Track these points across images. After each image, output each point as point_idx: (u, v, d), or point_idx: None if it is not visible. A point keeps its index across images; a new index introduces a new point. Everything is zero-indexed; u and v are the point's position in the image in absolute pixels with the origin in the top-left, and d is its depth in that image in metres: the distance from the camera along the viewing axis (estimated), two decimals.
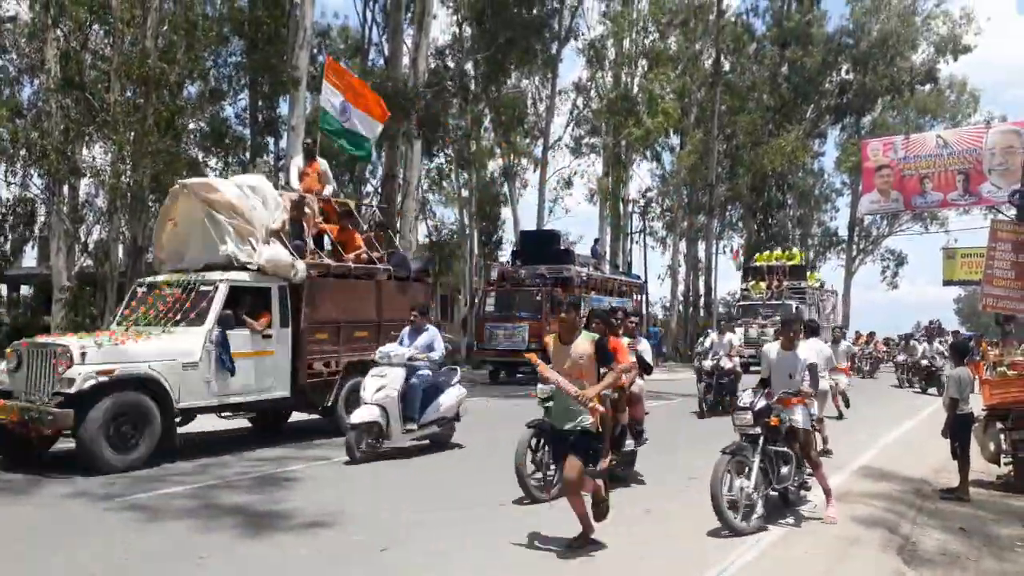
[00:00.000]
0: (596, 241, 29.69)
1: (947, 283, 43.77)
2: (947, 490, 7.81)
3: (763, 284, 29.04)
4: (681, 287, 38.23)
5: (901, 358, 23.93)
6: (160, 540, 5.43)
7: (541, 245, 23.05)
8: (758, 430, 6.17)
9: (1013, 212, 15.69)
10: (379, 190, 22.82)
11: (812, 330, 9.92)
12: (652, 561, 5.32)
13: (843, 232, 47.09)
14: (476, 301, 23.06)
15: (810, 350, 7.15)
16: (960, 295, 74.82)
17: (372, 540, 5.54)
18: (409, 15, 22.24)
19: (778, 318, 21.49)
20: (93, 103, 15.17)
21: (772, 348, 6.91)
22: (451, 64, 25.21)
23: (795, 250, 33.40)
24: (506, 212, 32.25)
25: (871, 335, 31.27)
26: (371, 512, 6.40)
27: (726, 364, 13.92)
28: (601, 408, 5.33)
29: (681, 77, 34.08)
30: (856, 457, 9.56)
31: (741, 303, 30.13)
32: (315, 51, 22.19)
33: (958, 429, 7.71)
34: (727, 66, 36.77)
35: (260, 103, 20.71)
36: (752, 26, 37.96)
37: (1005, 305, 13.68)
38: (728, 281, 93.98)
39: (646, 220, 39.09)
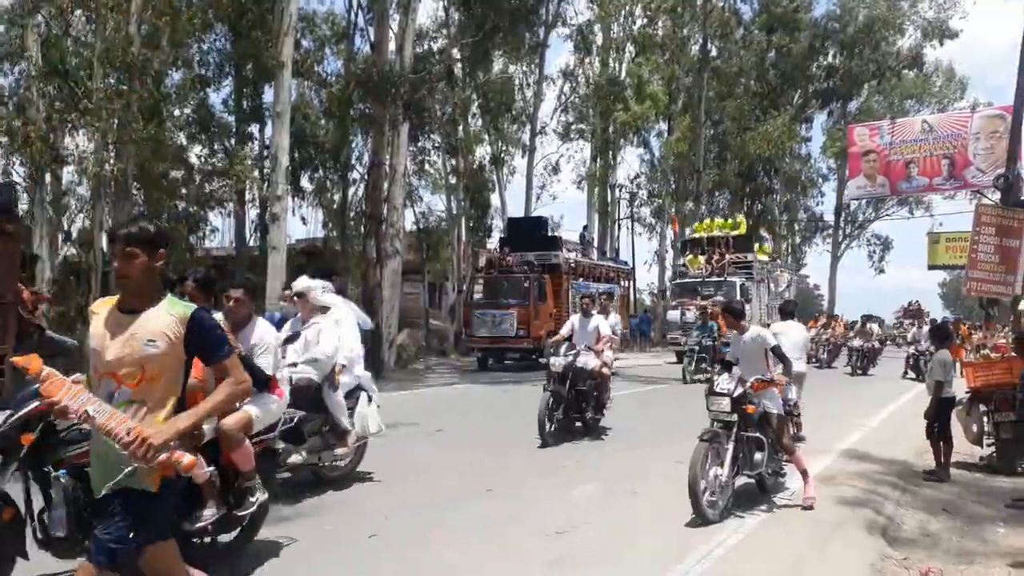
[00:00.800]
0: (584, 227, 29.76)
1: (932, 267, 44.18)
2: (929, 471, 7.90)
3: (702, 258, 25.17)
4: (668, 273, 38.33)
5: (856, 343, 21.97)
6: None
7: (529, 232, 23.08)
8: (734, 417, 6.04)
9: (997, 196, 15.80)
10: (365, 176, 22.72)
11: (788, 313, 9.56)
12: (637, 544, 5.37)
13: (829, 217, 47.35)
14: (464, 288, 23.04)
15: (763, 332, 6.89)
16: (945, 279, 75.57)
17: (358, 528, 5.54)
18: (395, 1, 22.05)
19: (721, 298, 20.10)
20: (76, 90, 15.01)
21: (732, 332, 6.94)
22: (437, 49, 25.08)
23: (740, 218, 29.70)
24: (494, 199, 32.24)
25: (832, 317, 29.35)
26: (354, 501, 6.40)
27: (588, 363, 9.47)
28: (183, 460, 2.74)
29: (669, 63, 34.06)
30: (840, 440, 9.58)
31: (676, 281, 26.73)
32: (300, 37, 21.98)
33: (941, 412, 7.80)
34: (714, 52, 36.76)
35: (245, 90, 20.52)
36: (740, 11, 37.95)
37: (989, 289, 13.82)
38: None
39: (634, 206, 39.22)
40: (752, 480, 6.49)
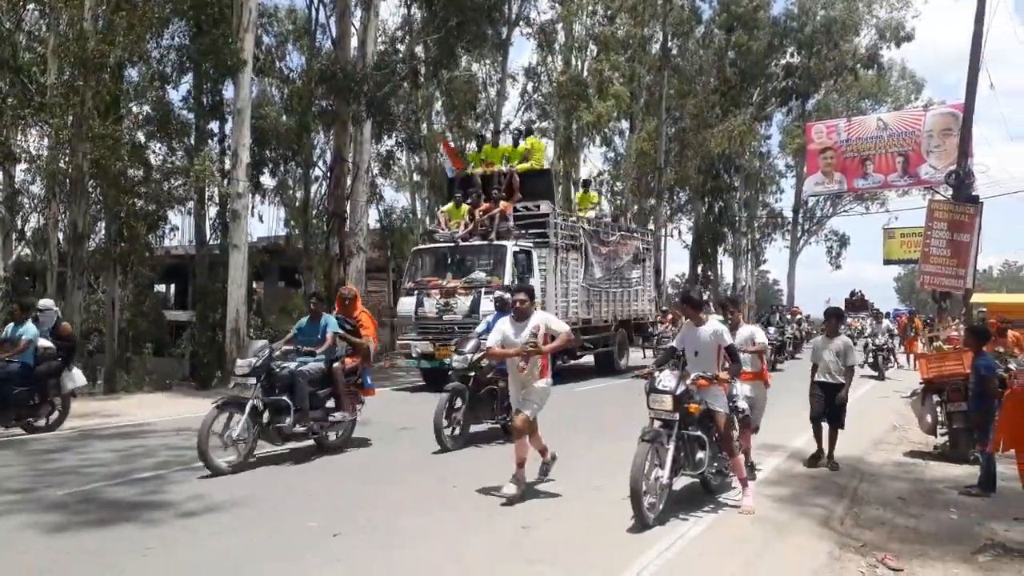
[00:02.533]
0: None
1: (887, 262, 45.15)
2: (811, 460, 8.05)
3: (466, 208, 15.24)
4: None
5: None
6: (107, 534, 5.34)
7: None
8: (676, 416, 5.73)
9: (949, 192, 16.21)
10: (328, 174, 22.53)
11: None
12: (598, 538, 5.42)
13: (788, 214, 48.09)
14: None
15: (720, 328, 6.39)
16: (900, 273, 77.16)
17: (324, 526, 5.53)
18: None
19: (481, 277, 13.86)
20: (28, 86, 14.66)
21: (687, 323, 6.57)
22: (401, 47, 24.93)
23: (533, 140, 18.58)
24: None
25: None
26: (319, 498, 6.39)
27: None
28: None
29: (630, 61, 34.28)
30: (789, 440, 9.15)
31: (418, 248, 16.40)
32: (261, 33, 21.69)
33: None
34: (675, 50, 37.06)
35: (205, 86, 20.20)
36: (699, 10, 38.31)
37: (941, 282, 14.20)
38: (678, 263, 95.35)
39: (598, 204, 39.37)
40: (695, 480, 6.30)
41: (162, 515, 5.75)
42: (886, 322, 21.00)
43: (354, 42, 20.95)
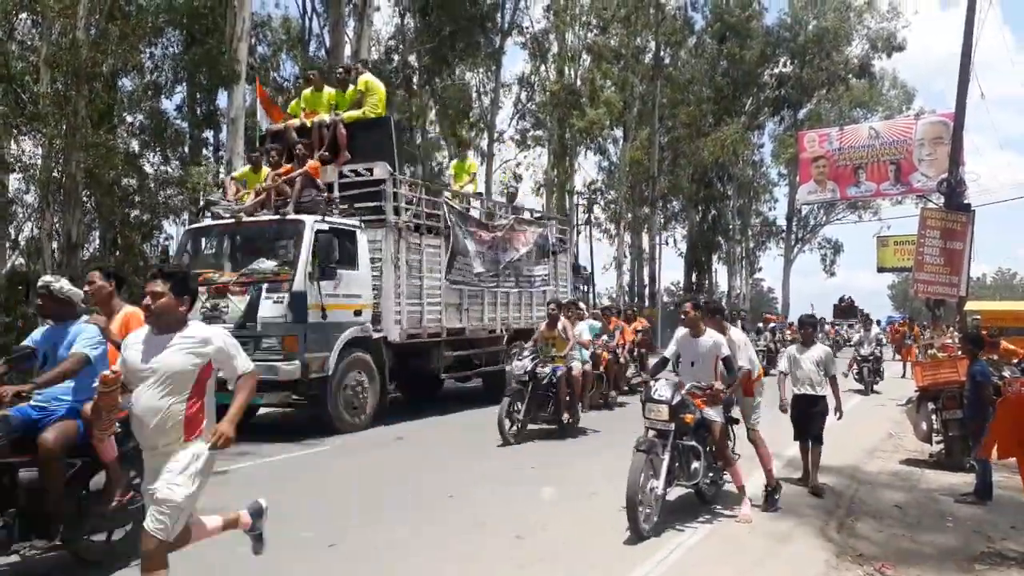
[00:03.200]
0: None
1: (881, 270, 45.35)
2: (800, 481, 7.36)
3: (266, 172, 11.15)
4: (627, 278, 38.69)
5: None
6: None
7: None
8: (671, 426, 5.71)
9: (942, 200, 16.28)
10: None
11: (716, 311, 7.02)
12: (594, 547, 5.39)
13: (782, 222, 48.27)
14: None
15: (720, 339, 6.29)
16: (894, 281, 77.45)
17: (320, 536, 5.51)
18: (351, 6, 21.93)
19: (265, 268, 9.67)
20: (21, 95, 14.61)
21: (683, 330, 6.43)
22: (395, 57, 25.00)
23: (371, 80, 12.58)
24: None
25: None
26: (317, 507, 6.36)
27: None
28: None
29: (623, 71, 34.43)
30: (783, 449, 8.51)
31: (190, 228, 12.31)
32: (255, 42, 21.72)
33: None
34: (667, 60, 37.24)
35: (198, 95, 20.21)
36: (692, 20, 38.53)
37: (935, 290, 14.25)
38: (672, 271, 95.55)
39: (591, 212, 39.52)
40: (689, 490, 6.22)
41: None
42: (875, 330, 20.12)
43: (347, 51, 20.99)
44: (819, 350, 7.19)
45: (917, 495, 7.33)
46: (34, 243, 17.07)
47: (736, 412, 6.64)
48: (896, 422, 11.66)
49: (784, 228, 47.63)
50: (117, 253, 16.65)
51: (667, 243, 44.79)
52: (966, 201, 15.44)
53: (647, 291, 38.97)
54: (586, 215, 39.72)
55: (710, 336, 6.27)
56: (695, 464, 5.92)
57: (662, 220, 40.77)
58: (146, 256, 17.92)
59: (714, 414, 6.07)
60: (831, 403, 7.13)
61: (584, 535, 5.68)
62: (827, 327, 33.50)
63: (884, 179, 28.03)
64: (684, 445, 5.87)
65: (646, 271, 39.46)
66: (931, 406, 8.77)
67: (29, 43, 16.00)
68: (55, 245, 15.65)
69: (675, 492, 6.19)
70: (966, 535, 5.96)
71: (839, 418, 7.12)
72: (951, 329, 15.22)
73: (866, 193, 30.41)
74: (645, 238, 39.51)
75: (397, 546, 5.38)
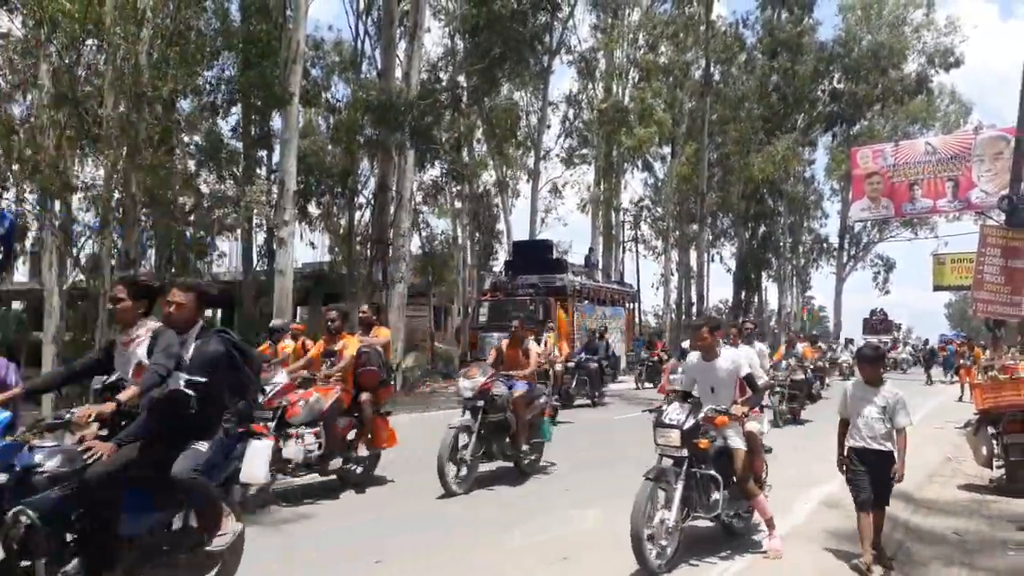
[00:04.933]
0: (590, 251, 29.85)
1: (937, 288, 44.06)
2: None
3: None
4: (674, 295, 38.35)
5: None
6: None
7: (534, 255, 23.17)
8: (684, 452, 5.31)
9: (1002, 218, 15.80)
10: (372, 202, 22.86)
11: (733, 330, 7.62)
12: None
13: (834, 239, 47.37)
14: (470, 311, 23.09)
15: (738, 357, 6.05)
16: (951, 300, 75.27)
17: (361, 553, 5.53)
18: (402, 28, 22.33)
19: None
20: (85, 118, 15.17)
21: (694, 355, 6.12)
22: (444, 76, 25.33)
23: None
24: (500, 223, 32.42)
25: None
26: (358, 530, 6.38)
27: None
28: None
29: (672, 88, 34.31)
30: (822, 482, 8.08)
31: None
32: (309, 65, 22.26)
33: None
34: (717, 76, 37.01)
35: (253, 117, 20.76)
36: (743, 36, 38.24)
37: (995, 310, 13.79)
38: (721, 288, 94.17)
39: (638, 229, 39.34)
40: (713, 523, 5.78)
41: None
42: (907, 349, 18.94)
43: (398, 72, 21.35)
44: (889, 392, 5.47)
45: (977, 522, 7.09)
46: (94, 260, 17.67)
47: (735, 441, 5.84)
48: (955, 446, 11.30)
49: (836, 245, 46.74)
50: (173, 270, 17.14)
51: (715, 260, 44.34)
52: None
53: (695, 309, 38.57)
54: (632, 232, 39.57)
55: (727, 356, 5.91)
56: (715, 495, 5.44)
57: (710, 237, 40.34)
58: (201, 273, 18.40)
59: (738, 441, 5.67)
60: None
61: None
62: (851, 347, 29.73)
63: (941, 196, 27.33)
64: (702, 474, 5.42)
65: (694, 289, 39.10)
66: (991, 430, 8.48)
67: (94, 67, 16.64)
68: (113, 263, 16.19)
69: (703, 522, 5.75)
70: None
71: (897, 481, 5.46)
72: (1013, 350, 14.72)
73: (922, 210, 29.66)
74: (693, 255, 39.18)
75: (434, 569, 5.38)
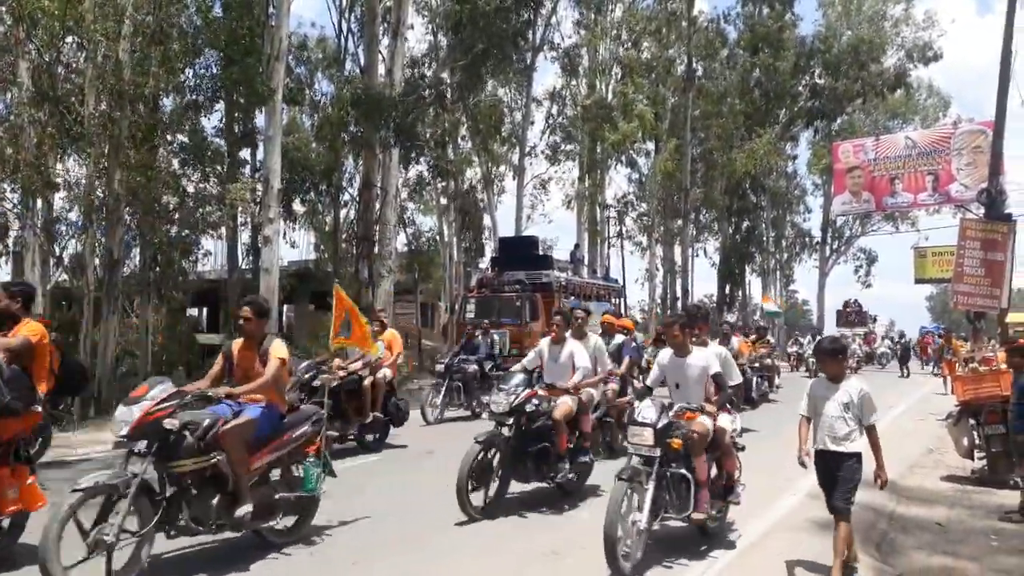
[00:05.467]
0: (576, 246, 29.90)
1: (919, 281, 44.46)
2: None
3: None
4: (659, 290, 38.52)
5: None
6: None
7: (520, 251, 23.17)
8: (657, 452, 5.14)
9: (982, 211, 16.01)
10: (357, 199, 22.81)
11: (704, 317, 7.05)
12: None
13: (816, 233, 47.70)
14: (456, 308, 23.09)
15: (710, 355, 5.91)
16: (932, 293, 76.03)
17: (342, 555, 5.52)
18: (385, 25, 22.27)
19: None
20: (67, 116, 15.04)
21: (666, 351, 6.02)
22: (427, 73, 25.29)
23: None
24: (485, 219, 32.45)
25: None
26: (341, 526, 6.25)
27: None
28: None
29: (655, 84, 34.44)
30: (807, 475, 8.52)
31: None
32: (293, 62, 22.14)
33: None
34: (700, 72, 37.16)
35: (236, 114, 20.64)
36: (725, 32, 38.43)
37: (975, 302, 13.98)
38: (705, 283, 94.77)
39: (623, 225, 39.46)
40: (684, 524, 5.55)
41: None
42: (886, 342, 17.77)
43: (382, 69, 21.30)
44: (853, 387, 5.06)
45: (959, 512, 7.21)
46: (77, 260, 17.54)
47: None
48: (937, 437, 11.47)
49: (819, 239, 47.09)
50: (157, 269, 17.03)
51: (699, 255, 44.54)
52: (1007, 211, 15.15)
53: (679, 304, 38.78)
54: (617, 228, 39.72)
55: (698, 354, 5.84)
56: (686, 495, 5.32)
57: (694, 232, 40.53)
58: (185, 272, 18.30)
59: (721, 421, 5.65)
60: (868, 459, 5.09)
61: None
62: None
63: (921, 189, 27.64)
64: (673, 473, 5.28)
65: (678, 284, 39.30)
66: (972, 421, 8.62)
67: (74, 65, 16.48)
68: (97, 262, 16.07)
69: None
70: (1010, 553, 5.85)
71: (881, 486, 5.19)
72: (992, 342, 14.94)
73: (903, 204, 29.98)
74: (677, 250, 39.36)
75: (415, 566, 5.40)
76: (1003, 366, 8.55)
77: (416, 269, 28.60)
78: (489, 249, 30.26)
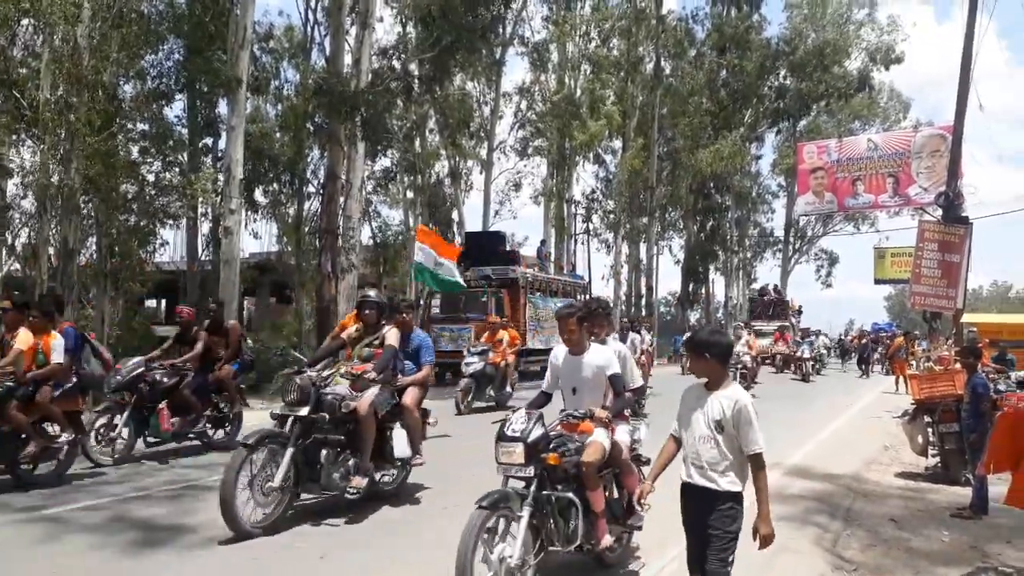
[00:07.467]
0: (542, 243, 29.93)
1: (878, 281, 45.39)
2: None
3: None
4: (624, 288, 38.71)
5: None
6: (63, 556, 5.26)
7: (487, 246, 23.14)
8: (531, 471, 4.21)
9: (939, 213, 16.31)
10: (321, 191, 22.54)
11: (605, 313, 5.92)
12: None
13: (779, 233, 48.37)
14: (422, 302, 22.96)
15: (609, 354, 4.89)
16: (891, 293, 77.54)
17: (310, 548, 5.48)
18: (353, 15, 21.99)
19: None
20: (21, 101, 14.63)
21: (560, 351, 4.99)
22: (396, 65, 25.06)
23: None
24: (453, 213, 32.34)
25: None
26: (309, 518, 6.29)
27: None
28: None
29: (623, 81, 34.56)
30: (785, 456, 9.14)
31: None
32: (258, 51, 21.78)
33: None
34: (668, 71, 37.39)
35: (199, 103, 20.26)
36: (693, 31, 38.69)
37: (932, 303, 14.24)
38: (669, 281, 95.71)
39: (590, 222, 39.62)
40: (580, 553, 4.65)
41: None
42: (820, 340, 15.24)
43: (349, 59, 21.02)
44: (728, 396, 3.49)
45: (913, 508, 7.33)
46: (31, 249, 17.10)
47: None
48: (892, 434, 11.67)
49: (781, 239, 47.75)
50: (114, 260, 16.67)
51: (664, 252, 44.88)
52: (964, 214, 15.45)
53: (643, 301, 39.04)
54: (584, 224, 39.83)
55: (596, 353, 4.86)
56: (573, 522, 4.38)
57: (659, 230, 40.80)
58: (144, 262, 17.94)
59: (621, 433, 4.81)
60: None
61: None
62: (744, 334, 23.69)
63: (882, 191, 28.16)
64: (557, 496, 4.34)
65: (643, 281, 39.53)
66: (927, 419, 8.78)
67: (31, 48, 16.05)
68: (51, 251, 15.68)
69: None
70: (961, 549, 5.96)
71: (761, 545, 3.46)
72: (948, 341, 15.23)
73: (864, 205, 30.53)
74: (643, 248, 39.60)
75: (389, 558, 5.34)
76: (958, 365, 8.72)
77: (383, 262, 28.40)
78: (456, 244, 30.14)
